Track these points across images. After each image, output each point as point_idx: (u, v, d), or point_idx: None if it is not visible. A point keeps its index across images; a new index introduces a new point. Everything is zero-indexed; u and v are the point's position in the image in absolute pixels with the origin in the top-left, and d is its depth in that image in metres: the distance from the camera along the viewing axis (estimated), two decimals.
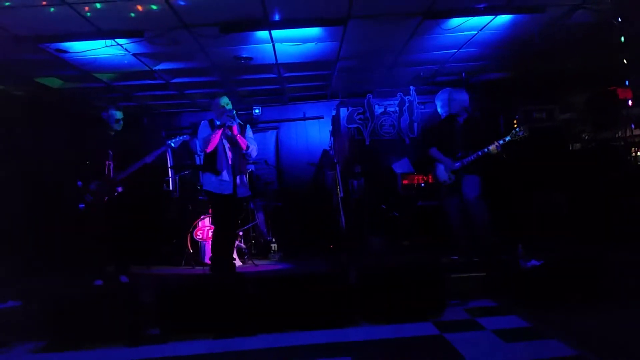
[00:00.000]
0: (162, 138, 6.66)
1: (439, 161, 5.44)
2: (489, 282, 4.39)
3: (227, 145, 4.93)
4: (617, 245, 5.06)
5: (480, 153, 5.09)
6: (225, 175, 4.89)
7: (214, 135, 4.79)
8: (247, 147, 4.95)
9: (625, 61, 5.69)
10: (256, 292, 3.92)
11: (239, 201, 5.10)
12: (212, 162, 4.91)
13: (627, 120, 6.53)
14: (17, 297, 4.41)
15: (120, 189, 5.01)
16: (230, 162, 4.91)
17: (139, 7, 4.47)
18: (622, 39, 5.52)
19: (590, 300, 3.84)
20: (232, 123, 4.75)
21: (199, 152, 4.83)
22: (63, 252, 6.14)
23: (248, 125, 5.15)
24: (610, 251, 4.43)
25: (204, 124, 4.97)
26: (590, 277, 4.00)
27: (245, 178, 5.15)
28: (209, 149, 4.81)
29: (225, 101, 4.94)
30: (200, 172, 5.09)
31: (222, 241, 4.99)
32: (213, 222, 5.29)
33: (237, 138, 4.88)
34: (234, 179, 4.88)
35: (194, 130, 8.85)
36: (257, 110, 8.85)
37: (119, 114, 5.09)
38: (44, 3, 4.24)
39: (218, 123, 4.79)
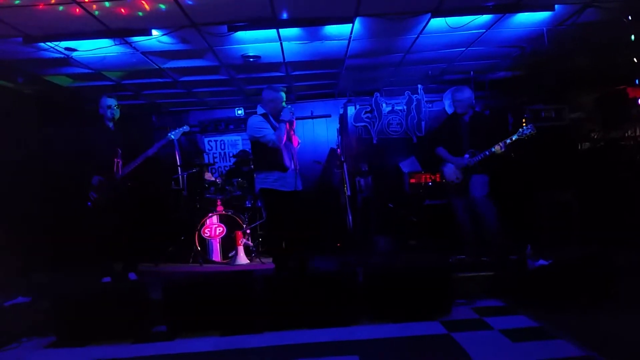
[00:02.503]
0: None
1: (446, 160, 5.43)
2: (497, 281, 4.38)
3: (288, 141, 4.84)
4: (627, 245, 5.02)
5: (487, 153, 5.08)
6: (291, 172, 4.78)
7: (283, 131, 4.64)
8: (298, 144, 4.99)
9: (635, 60, 5.64)
10: (263, 290, 3.93)
11: (301, 194, 4.94)
12: (278, 158, 4.71)
13: (637, 120, 6.48)
14: (26, 293, 4.46)
15: (128, 185, 5.02)
16: (289, 158, 4.81)
17: (148, 6, 4.48)
18: (633, 37, 5.47)
19: (599, 300, 3.82)
20: (292, 118, 4.75)
21: (277, 143, 4.60)
22: (72, 249, 6.18)
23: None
24: (620, 251, 4.39)
25: (259, 118, 4.77)
26: (599, 277, 3.98)
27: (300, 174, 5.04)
28: (281, 143, 4.65)
29: (284, 97, 4.85)
30: (257, 171, 4.90)
31: (280, 239, 4.89)
32: (274, 220, 4.98)
33: (292, 135, 4.87)
34: (297, 174, 4.83)
35: (202, 129, 8.93)
36: None
37: (110, 101, 5.05)
38: (53, 2, 4.26)
39: (284, 118, 4.67)
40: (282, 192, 4.72)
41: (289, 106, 4.79)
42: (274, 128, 4.72)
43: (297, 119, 8.70)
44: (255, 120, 4.76)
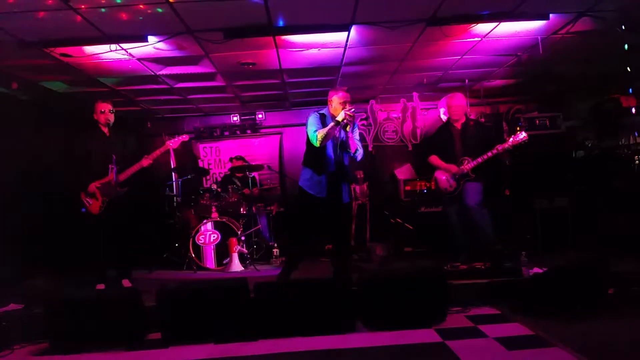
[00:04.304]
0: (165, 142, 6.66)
1: (440, 169, 5.45)
2: (492, 289, 4.38)
3: (335, 145, 4.58)
4: (621, 253, 5.04)
5: (480, 160, 5.10)
6: (324, 177, 4.52)
7: (329, 132, 4.33)
8: (356, 150, 4.54)
9: (628, 69, 5.69)
10: (257, 297, 3.91)
11: (345, 207, 4.67)
12: (316, 160, 4.55)
13: (631, 128, 6.52)
14: (19, 299, 4.43)
15: (122, 192, 5.01)
16: (334, 163, 4.57)
17: (144, 12, 4.49)
18: (626, 46, 5.52)
19: (593, 308, 3.82)
20: (351, 122, 4.33)
21: (316, 143, 4.39)
22: (66, 256, 6.15)
23: (356, 128, 4.73)
24: (614, 259, 4.41)
25: (314, 115, 4.58)
26: (593, 285, 3.99)
27: (348, 184, 4.73)
28: (322, 144, 4.38)
29: (349, 98, 4.55)
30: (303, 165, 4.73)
31: (301, 244, 4.80)
32: (301, 224, 4.80)
33: (350, 140, 4.48)
34: (336, 183, 4.55)
35: (197, 135, 8.93)
36: (260, 116, 8.88)
37: (105, 106, 5.03)
38: (50, 7, 4.26)
39: (337, 119, 4.31)
40: (308, 194, 4.56)
41: (351, 108, 4.36)
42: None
43: (292, 125, 8.94)
44: (309, 117, 4.62)
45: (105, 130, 5.06)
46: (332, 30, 5.10)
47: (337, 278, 4.54)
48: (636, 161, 6.41)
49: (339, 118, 4.31)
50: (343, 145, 4.57)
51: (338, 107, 4.47)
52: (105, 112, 5.01)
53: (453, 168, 5.28)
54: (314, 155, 4.57)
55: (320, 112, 4.65)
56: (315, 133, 4.38)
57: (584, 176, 6.51)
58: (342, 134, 4.52)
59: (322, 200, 4.53)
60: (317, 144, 4.38)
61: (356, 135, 4.63)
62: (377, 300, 3.91)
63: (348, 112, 4.27)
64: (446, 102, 5.54)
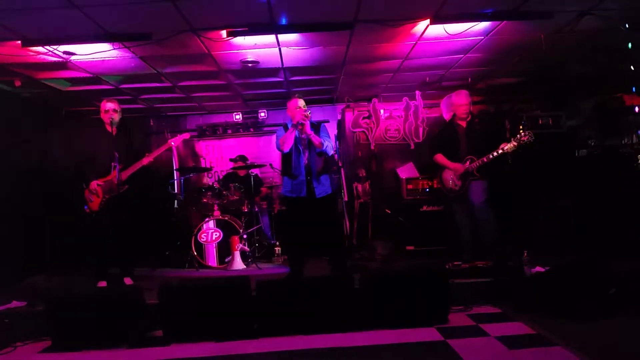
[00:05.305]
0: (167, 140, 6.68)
1: (445, 167, 5.43)
2: (494, 288, 4.38)
3: (301, 147, 4.93)
4: (623, 252, 5.02)
5: (491, 156, 5.08)
6: (300, 178, 4.90)
7: (287, 135, 4.80)
8: (322, 144, 4.78)
9: (632, 67, 5.67)
10: (259, 295, 3.92)
11: (319, 202, 4.95)
12: (287, 165, 4.98)
13: (634, 127, 6.50)
14: (21, 297, 4.44)
15: (124, 189, 5.00)
16: (306, 163, 4.91)
17: (147, 11, 4.49)
18: (630, 45, 5.50)
19: (595, 307, 3.81)
20: (304, 121, 4.69)
21: (279, 149, 5.00)
22: (68, 253, 6.17)
23: (323, 125, 5.05)
24: (616, 258, 4.40)
25: (280, 127, 5.10)
26: (595, 284, 3.98)
27: (326, 177, 5.04)
28: (285, 149, 4.86)
29: (302, 103, 4.93)
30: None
31: (298, 247, 5.13)
32: (289, 228, 5.33)
33: (311, 137, 4.77)
34: (310, 181, 4.89)
35: (200, 133, 8.94)
36: (262, 114, 8.88)
37: (110, 104, 5.03)
38: (54, 5, 4.26)
39: (291, 124, 4.80)
40: (289, 197, 5.01)
41: (306, 110, 4.82)
42: None
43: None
44: (277, 130, 5.10)
45: (110, 128, 5.04)
46: (335, 28, 5.10)
47: (334, 275, 4.68)
48: (639, 160, 6.38)
49: (294, 121, 4.78)
50: (310, 145, 4.91)
51: (293, 112, 4.92)
52: (110, 111, 5.01)
53: (459, 167, 5.27)
54: (286, 162, 5.01)
55: (285, 123, 5.12)
56: (277, 141, 4.94)
57: (586, 175, 6.49)
58: (306, 136, 4.81)
59: (302, 200, 4.92)
60: (280, 149, 4.92)
61: (323, 133, 4.95)
62: (378, 298, 3.91)
63: (304, 114, 4.73)
64: (452, 100, 5.49)
